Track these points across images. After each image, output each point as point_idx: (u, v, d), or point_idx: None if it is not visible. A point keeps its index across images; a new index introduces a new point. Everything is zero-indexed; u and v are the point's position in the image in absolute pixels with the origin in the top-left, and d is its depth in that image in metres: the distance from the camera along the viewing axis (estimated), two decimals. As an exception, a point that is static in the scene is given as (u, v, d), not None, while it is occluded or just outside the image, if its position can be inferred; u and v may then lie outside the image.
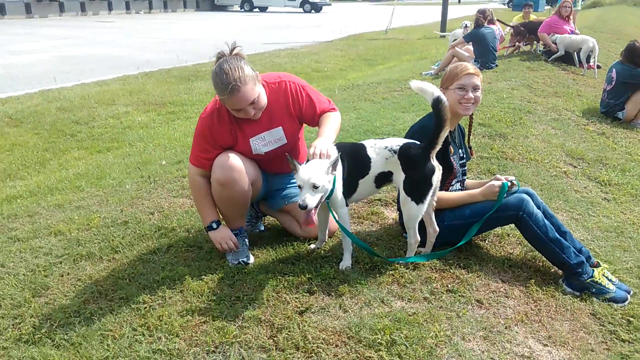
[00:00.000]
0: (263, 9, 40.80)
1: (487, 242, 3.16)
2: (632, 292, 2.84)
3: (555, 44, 9.72)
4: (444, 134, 2.66)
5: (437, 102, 2.61)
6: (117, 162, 5.65)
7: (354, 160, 2.72)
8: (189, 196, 3.96)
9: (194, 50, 14.76)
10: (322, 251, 2.93)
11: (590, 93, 8.03)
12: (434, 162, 2.70)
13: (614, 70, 6.75)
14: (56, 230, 3.51)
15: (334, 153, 2.56)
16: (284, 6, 40.16)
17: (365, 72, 12.46)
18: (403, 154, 2.68)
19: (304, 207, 2.42)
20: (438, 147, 2.69)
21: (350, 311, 2.41)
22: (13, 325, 2.47)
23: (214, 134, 2.77)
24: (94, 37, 18.60)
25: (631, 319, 2.66)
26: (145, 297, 2.57)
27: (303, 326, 2.29)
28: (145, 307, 2.50)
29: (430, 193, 2.71)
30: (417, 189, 2.68)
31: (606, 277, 2.82)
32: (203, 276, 2.72)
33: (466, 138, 3.21)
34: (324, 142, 2.58)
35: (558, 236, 2.78)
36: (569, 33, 9.93)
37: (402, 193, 2.71)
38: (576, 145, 5.37)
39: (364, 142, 2.78)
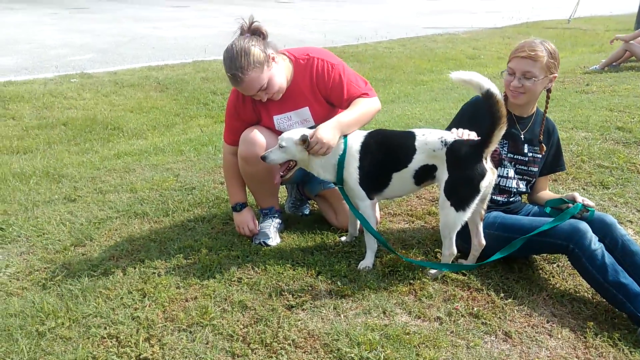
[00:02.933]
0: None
1: (554, 266, 2.61)
2: None
3: None
4: (500, 132, 2.21)
5: (487, 96, 2.17)
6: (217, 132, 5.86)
7: (388, 150, 2.41)
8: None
9: (350, 32, 14.78)
10: (349, 246, 2.67)
11: None
12: (487, 165, 2.26)
13: None
14: (133, 187, 3.72)
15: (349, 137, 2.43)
16: (462, -10, 38.40)
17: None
18: (453, 149, 2.29)
19: (263, 158, 2.47)
20: (493, 146, 2.25)
21: (342, 315, 2.15)
22: (44, 268, 2.65)
23: (239, 111, 2.66)
24: (264, 16, 19.56)
25: None
26: (158, 263, 2.59)
27: (282, 322, 2.09)
28: (153, 273, 2.51)
29: (477, 200, 2.28)
30: (459, 192, 2.27)
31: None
32: (220, 251, 2.66)
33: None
34: (326, 128, 2.40)
35: (623, 280, 2.17)
36: None
37: (442, 195, 2.32)
38: None
39: (415, 130, 2.43)
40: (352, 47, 11.90)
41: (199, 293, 2.32)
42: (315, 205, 3.22)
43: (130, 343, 2.01)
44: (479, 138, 2.28)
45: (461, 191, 2.27)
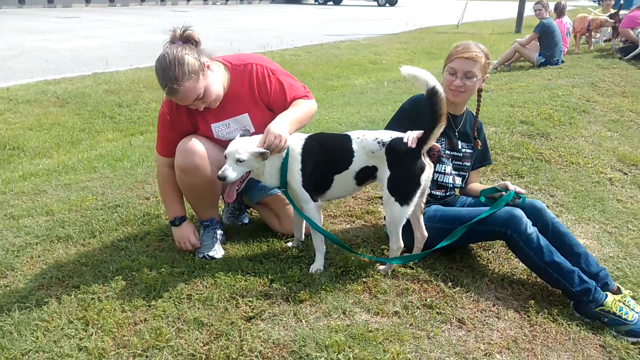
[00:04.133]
0: (337, 2, 40.57)
1: (490, 252, 2.77)
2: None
3: (638, 38, 8.85)
4: (440, 129, 2.30)
5: (432, 94, 2.24)
6: (143, 145, 5.61)
7: (329, 153, 2.42)
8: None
9: (255, 40, 14.75)
10: (297, 251, 2.65)
11: (666, 94, 7.19)
12: (425, 160, 2.35)
13: None
14: (49, 209, 3.45)
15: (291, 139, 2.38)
16: (359, -1, 39.79)
17: (424, 65, 11.70)
18: (392, 148, 2.34)
19: (222, 179, 2.31)
20: (431, 142, 2.33)
21: (303, 321, 2.12)
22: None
23: (173, 121, 2.56)
24: (163, 25, 19.01)
25: (651, 357, 2.20)
26: (96, 287, 2.41)
27: (245, 335, 2.03)
28: (92, 298, 2.33)
29: (418, 193, 2.36)
30: (402, 188, 2.34)
31: (627, 306, 2.36)
32: (162, 269, 2.52)
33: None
34: (276, 123, 2.37)
35: (557, 259, 2.35)
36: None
37: (386, 192, 2.37)
38: (632, 150, 4.75)
39: (350, 133, 2.46)
40: (263, 55, 11.87)
41: (148, 315, 2.19)
42: (254, 214, 3.17)
43: (82, 376, 1.85)
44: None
45: (404, 186, 2.34)
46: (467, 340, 2.11)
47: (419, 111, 2.59)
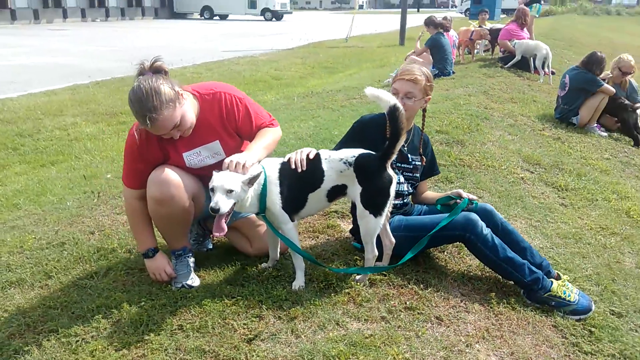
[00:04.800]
0: (223, 17, 40.53)
1: (445, 253, 3.04)
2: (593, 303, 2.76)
3: (515, 48, 9.88)
4: (400, 142, 2.53)
5: (393, 111, 2.47)
6: (60, 176, 5.33)
7: (302, 174, 2.55)
8: (134, 213, 3.72)
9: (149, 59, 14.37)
10: (274, 270, 2.74)
11: (545, 99, 8.13)
12: (390, 172, 2.56)
13: (567, 76, 6.84)
14: (-16, 255, 3.21)
15: (255, 168, 2.43)
16: (245, 14, 40.00)
17: (325, 80, 12.36)
18: (359, 165, 2.53)
19: (215, 211, 2.27)
20: (394, 156, 2.56)
21: (302, 336, 2.23)
22: None
23: (142, 152, 2.56)
24: (45, 46, 17.93)
25: (592, 329, 2.58)
26: (78, 329, 2.33)
27: (251, 356, 2.10)
28: (77, 341, 2.26)
29: (389, 204, 2.57)
30: (375, 201, 2.53)
31: (568, 289, 2.73)
32: (143, 303, 2.49)
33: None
34: (243, 155, 2.43)
35: (510, 255, 2.68)
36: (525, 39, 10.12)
37: (360, 206, 2.55)
38: (532, 151, 5.36)
39: (320, 152, 2.62)
40: (159, 75, 11.60)
41: (145, 350, 2.17)
42: (220, 239, 3.19)
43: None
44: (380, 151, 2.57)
45: (376, 199, 2.53)
46: (448, 335, 2.34)
47: (366, 130, 2.86)
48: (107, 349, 2.18)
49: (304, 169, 2.50)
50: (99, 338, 2.26)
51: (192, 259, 2.74)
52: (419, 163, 3.03)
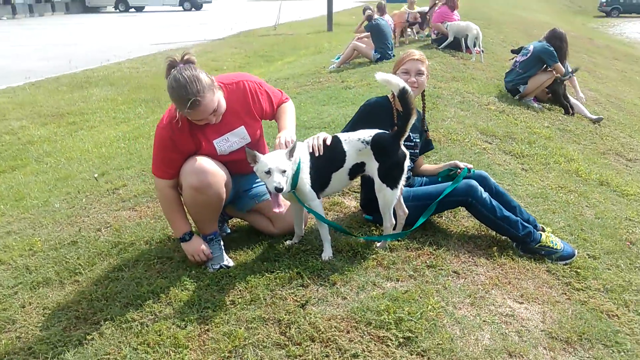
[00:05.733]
0: (139, 9, 39.21)
1: (444, 219, 3.38)
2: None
3: (448, 30, 10.43)
4: (412, 121, 2.82)
5: (403, 93, 2.76)
6: (30, 180, 5.24)
7: (327, 156, 2.79)
8: (133, 208, 3.81)
9: (79, 56, 13.84)
10: (301, 245, 2.97)
11: (482, 75, 8.72)
12: (403, 149, 2.86)
13: (532, 45, 7.32)
14: (-4, 259, 3.21)
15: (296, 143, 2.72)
16: (162, 5, 38.89)
17: (267, 69, 12.49)
18: (375, 143, 2.80)
19: (280, 190, 2.49)
20: (406, 134, 2.85)
21: (348, 298, 2.49)
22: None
23: (176, 143, 2.70)
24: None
25: (579, 270, 3.02)
26: (133, 315, 2.47)
27: (310, 318, 2.33)
28: (137, 325, 2.40)
29: (404, 178, 2.86)
30: (391, 175, 2.82)
31: (553, 239, 3.15)
32: (187, 286, 2.66)
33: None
34: (288, 132, 2.76)
35: (506, 214, 3.05)
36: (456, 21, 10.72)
37: (377, 181, 2.83)
38: (486, 124, 5.84)
39: (339, 135, 2.88)
40: (97, 71, 11.27)
41: (209, 325, 2.35)
42: (232, 223, 3.36)
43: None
44: (394, 130, 2.87)
45: (392, 174, 2.83)
46: (468, 285, 2.68)
47: (374, 112, 3.16)
48: (172, 328, 2.34)
49: (321, 153, 2.74)
50: (159, 320, 2.41)
51: (221, 242, 2.91)
52: (419, 140, 3.34)
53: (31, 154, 6.34)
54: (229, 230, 3.28)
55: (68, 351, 2.28)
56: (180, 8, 38.83)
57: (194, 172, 2.65)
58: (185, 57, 2.62)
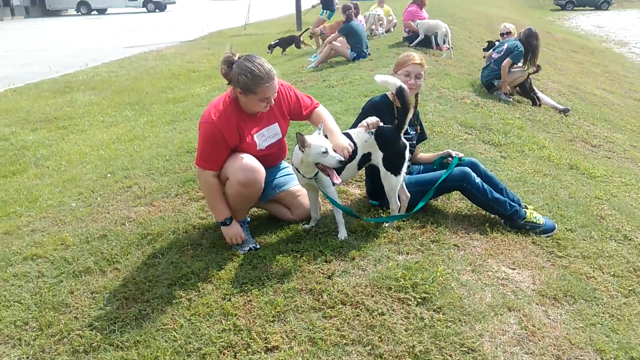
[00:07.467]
0: (102, 11, 38.75)
1: (439, 201, 3.80)
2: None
3: (418, 27, 10.91)
4: (410, 115, 3.21)
5: (400, 91, 3.15)
6: (37, 183, 5.43)
7: None
8: (151, 204, 4.08)
9: (53, 61, 13.81)
10: (318, 228, 3.33)
11: (454, 71, 9.21)
12: (404, 140, 3.25)
13: (506, 44, 7.85)
14: (31, 254, 3.46)
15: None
16: (125, 7, 38.49)
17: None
18: (378, 135, 3.19)
19: (342, 161, 2.96)
20: (405, 126, 3.24)
21: (367, 269, 2.87)
22: (57, 341, 2.56)
23: (225, 136, 3.01)
24: None
25: (559, 241, 3.46)
26: (179, 292, 2.79)
27: (338, 287, 2.71)
28: (185, 301, 2.72)
29: (406, 165, 3.26)
30: (394, 163, 3.21)
31: (536, 215, 3.59)
32: (223, 266, 2.99)
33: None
34: (344, 140, 3.12)
35: (496, 195, 3.47)
36: (426, 19, 11.21)
37: (382, 169, 3.22)
38: (464, 117, 6.30)
39: (349, 131, 3.27)
40: (76, 76, 11.34)
41: (250, 296, 2.69)
42: (255, 212, 3.69)
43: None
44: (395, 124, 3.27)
45: (395, 162, 3.22)
46: (468, 256, 3.09)
47: (377, 109, 3.53)
48: (217, 301, 2.68)
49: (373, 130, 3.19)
50: (204, 295, 2.74)
51: (249, 229, 3.26)
52: (415, 132, 3.75)
53: (28, 158, 6.49)
54: (249, 219, 3.61)
55: (128, 325, 2.59)
56: (144, 9, 38.52)
57: (242, 169, 2.98)
58: (244, 55, 2.98)
